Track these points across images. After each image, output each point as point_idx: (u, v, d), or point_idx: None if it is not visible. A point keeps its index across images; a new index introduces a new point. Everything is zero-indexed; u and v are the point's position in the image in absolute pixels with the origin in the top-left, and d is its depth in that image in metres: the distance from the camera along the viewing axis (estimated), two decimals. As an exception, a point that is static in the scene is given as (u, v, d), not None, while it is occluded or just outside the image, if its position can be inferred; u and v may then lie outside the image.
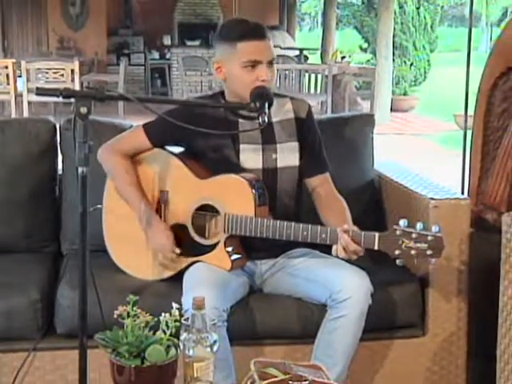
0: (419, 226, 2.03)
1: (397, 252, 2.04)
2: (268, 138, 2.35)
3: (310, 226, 2.17)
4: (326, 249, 2.22)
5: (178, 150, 2.44)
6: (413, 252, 2.03)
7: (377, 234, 2.08)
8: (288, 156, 2.37)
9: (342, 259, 2.16)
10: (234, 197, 2.26)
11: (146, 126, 2.41)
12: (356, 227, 2.14)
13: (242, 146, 2.34)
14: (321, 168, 2.44)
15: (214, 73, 2.36)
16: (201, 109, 2.34)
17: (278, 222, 2.19)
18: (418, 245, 2.02)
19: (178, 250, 2.31)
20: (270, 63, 2.27)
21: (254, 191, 2.24)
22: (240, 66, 2.25)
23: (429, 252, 2.02)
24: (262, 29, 2.29)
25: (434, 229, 2.03)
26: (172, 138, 2.38)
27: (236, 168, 2.32)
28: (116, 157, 2.41)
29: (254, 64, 2.24)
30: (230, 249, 2.29)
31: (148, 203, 2.37)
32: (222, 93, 2.40)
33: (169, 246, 2.31)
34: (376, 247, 2.08)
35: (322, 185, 2.42)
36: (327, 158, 2.46)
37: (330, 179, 2.44)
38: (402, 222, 2.05)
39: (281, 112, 2.39)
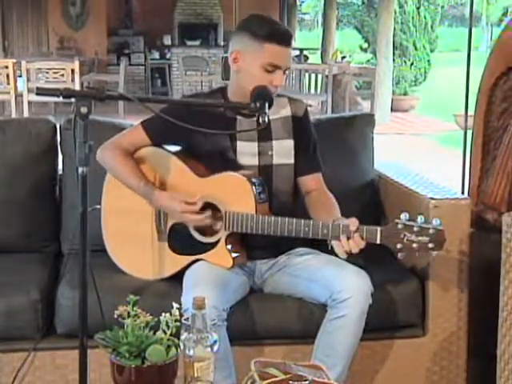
0: (420, 219, 2.04)
1: (399, 246, 2.05)
2: (264, 135, 2.35)
3: (311, 221, 2.17)
4: (326, 249, 2.22)
5: (176, 148, 2.43)
6: (414, 245, 2.04)
7: (379, 228, 2.09)
8: (284, 153, 2.38)
9: (342, 259, 2.16)
10: (234, 195, 2.26)
11: (144, 124, 2.41)
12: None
13: (238, 143, 2.34)
14: (313, 167, 2.45)
15: (230, 60, 2.33)
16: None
17: (280, 218, 2.19)
18: (420, 238, 2.03)
19: (190, 200, 2.24)
20: (285, 71, 2.30)
21: (254, 189, 2.24)
22: (259, 65, 2.25)
23: (430, 245, 2.03)
24: (290, 36, 2.31)
25: (435, 222, 2.04)
26: (171, 135, 2.37)
27: (233, 165, 2.32)
28: (115, 152, 2.39)
29: (273, 68, 2.25)
30: (230, 246, 2.29)
31: (148, 182, 2.34)
32: (221, 90, 2.40)
33: (177, 203, 2.24)
34: (378, 241, 2.08)
35: (313, 184, 2.43)
36: (321, 160, 2.47)
37: (321, 179, 2.44)
38: (403, 216, 2.06)
39: (279, 110, 2.40)
